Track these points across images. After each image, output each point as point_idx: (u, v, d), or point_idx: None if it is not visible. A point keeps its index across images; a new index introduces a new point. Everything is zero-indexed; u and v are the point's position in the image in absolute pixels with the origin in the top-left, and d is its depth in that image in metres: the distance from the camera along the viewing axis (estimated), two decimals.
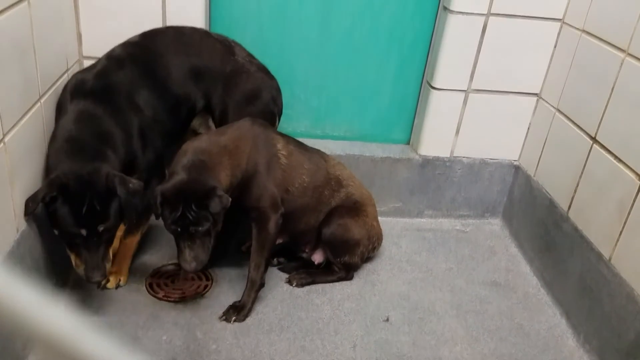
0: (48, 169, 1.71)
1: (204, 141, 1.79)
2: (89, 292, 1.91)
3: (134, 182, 1.68)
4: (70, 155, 1.66)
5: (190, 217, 1.65)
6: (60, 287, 1.89)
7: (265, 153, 1.86)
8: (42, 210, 1.69)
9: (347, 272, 2.13)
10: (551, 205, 2.24)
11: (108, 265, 1.73)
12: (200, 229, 1.67)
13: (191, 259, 1.70)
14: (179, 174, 1.67)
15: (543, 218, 2.29)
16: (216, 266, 2.10)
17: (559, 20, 2.25)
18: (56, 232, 1.66)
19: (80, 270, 1.68)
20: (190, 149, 1.74)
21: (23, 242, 1.64)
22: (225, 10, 2.25)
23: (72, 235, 1.63)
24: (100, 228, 1.64)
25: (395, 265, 2.28)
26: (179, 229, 1.67)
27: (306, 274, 2.11)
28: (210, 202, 1.64)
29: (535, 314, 2.10)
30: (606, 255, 1.89)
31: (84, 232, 1.62)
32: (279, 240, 2.01)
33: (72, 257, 1.69)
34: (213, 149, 1.75)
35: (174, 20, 2.09)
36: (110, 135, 1.73)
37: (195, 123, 2.10)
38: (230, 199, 1.68)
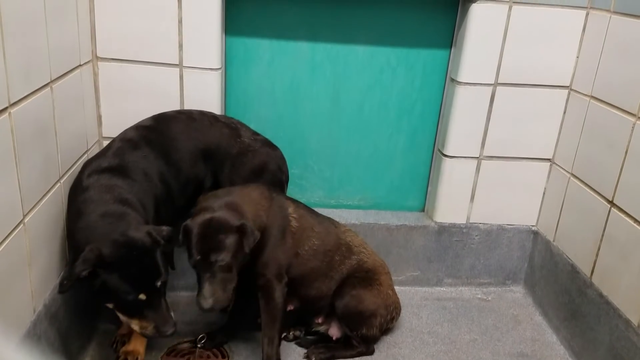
0: (77, 247, 1.63)
1: (227, 190, 1.87)
2: None
3: (164, 229, 1.67)
4: (100, 226, 1.62)
5: (213, 245, 1.65)
6: None
7: (279, 217, 1.88)
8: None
9: (367, 346, 2.07)
10: (573, 270, 2.19)
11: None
12: (221, 258, 1.66)
13: (209, 295, 1.66)
14: (209, 210, 1.71)
15: (566, 284, 2.23)
16: (231, 342, 2.06)
17: (566, 87, 2.29)
18: (111, 306, 1.61)
19: (149, 330, 1.63)
20: (217, 193, 1.82)
21: (39, 323, 1.63)
22: (240, 89, 2.32)
23: (132, 302, 1.59)
24: (158, 283, 1.60)
25: (417, 337, 2.21)
26: (199, 257, 1.66)
27: (325, 348, 2.05)
28: (245, 236, 1.68)
29: None
30: (634, 321, 1.82)
31: (143, 296, 1.58)
32: (290, 307, 1.99)
33: (134, 323, 1.64)
34: (239, 195, 1.82)
35: (191, 101, 2.16)
36: (131, 202, 1.73)
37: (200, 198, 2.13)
38: (259, 234, 1.70)
